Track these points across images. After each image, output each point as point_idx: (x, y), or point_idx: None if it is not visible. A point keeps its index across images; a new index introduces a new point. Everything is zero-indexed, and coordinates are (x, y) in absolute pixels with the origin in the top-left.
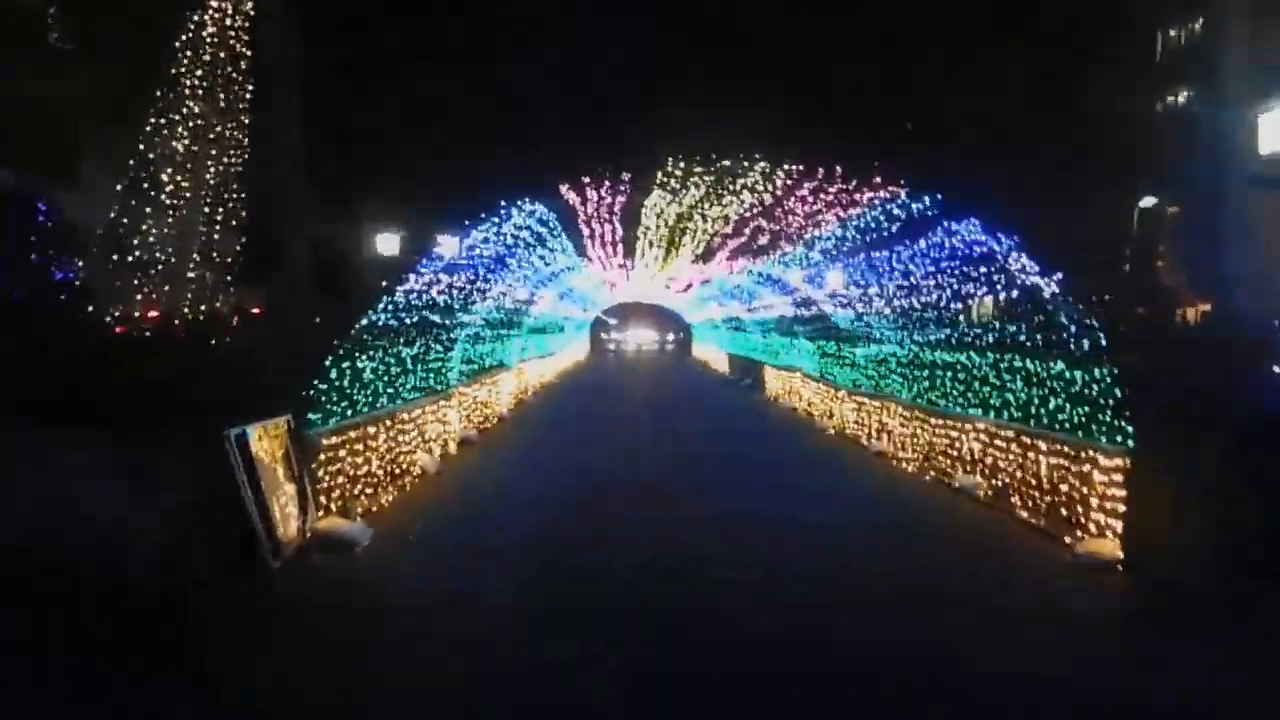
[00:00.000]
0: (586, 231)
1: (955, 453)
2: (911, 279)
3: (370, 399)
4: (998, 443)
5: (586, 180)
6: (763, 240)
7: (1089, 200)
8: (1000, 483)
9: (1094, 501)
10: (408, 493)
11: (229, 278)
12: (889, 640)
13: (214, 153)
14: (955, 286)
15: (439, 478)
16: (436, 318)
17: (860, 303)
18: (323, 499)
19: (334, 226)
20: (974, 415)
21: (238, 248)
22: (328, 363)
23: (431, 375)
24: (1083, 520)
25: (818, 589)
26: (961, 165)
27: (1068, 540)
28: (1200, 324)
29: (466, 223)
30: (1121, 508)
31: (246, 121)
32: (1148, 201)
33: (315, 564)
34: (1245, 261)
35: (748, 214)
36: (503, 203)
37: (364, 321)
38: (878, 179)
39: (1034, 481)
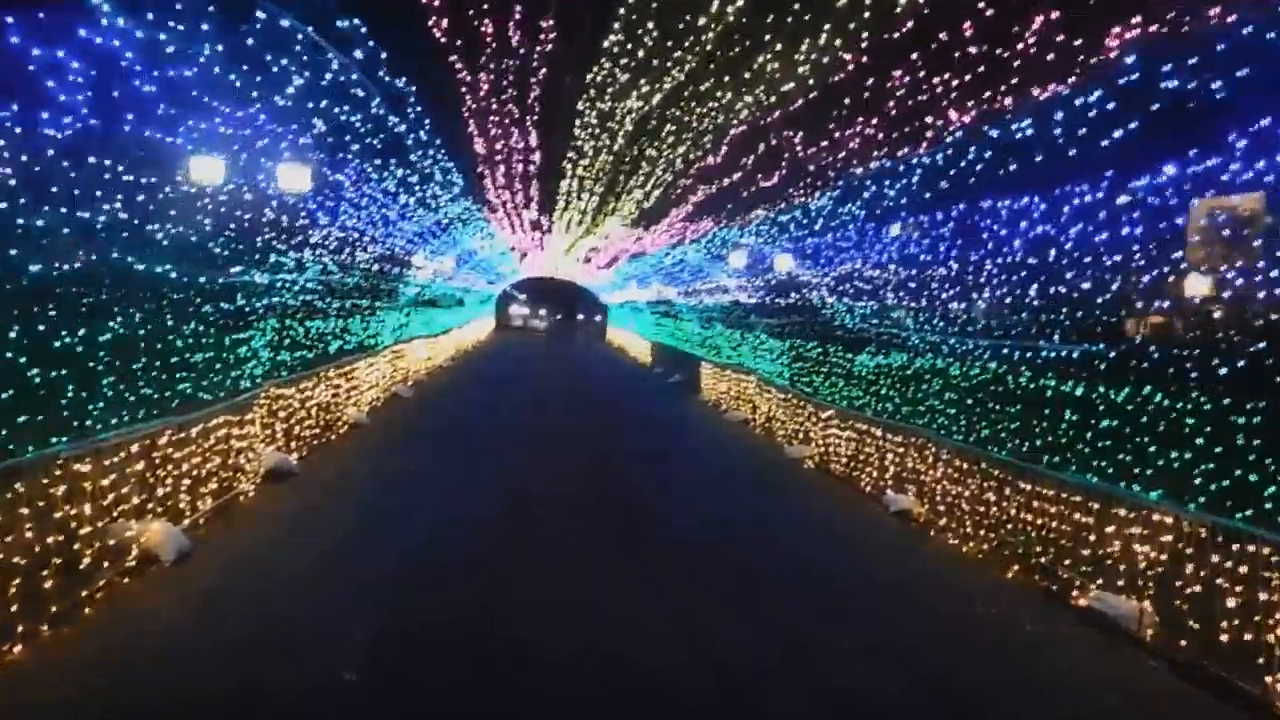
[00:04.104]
0: (482, 148)
1: (1082, 547)
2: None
3: None
4: (1222, 560)
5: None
6: (770, 181)
7: None
8: (1228, 630)
9: None
10: (85, 622)
11: None
12: None
13: None
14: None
15: (175, 573)
16: (164, 267)
17: (898, 290)
18: None
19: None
20: (1139, 495)
21: None
22: None
23: (183, 377)
24: None
25: None
26: None
27: None
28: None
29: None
30: None
31: None
32: None
33: None
34: None
35: (768, 116)
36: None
37: None
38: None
39: None
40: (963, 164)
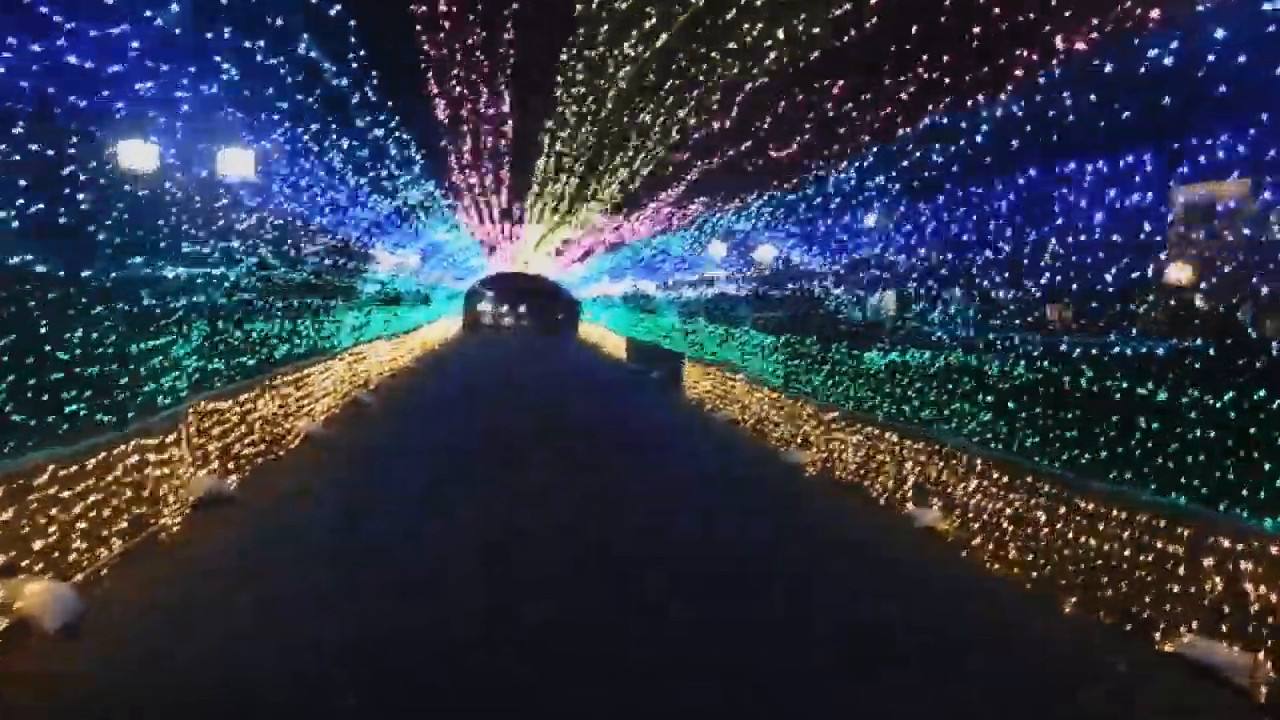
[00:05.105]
0: (445, 115)
1: (1169, 581)
2: None
3: None
4: None
5: None
6: (783, 151)
7: None
8: None
9: None
10: None
11: None
12: None
13: None
14: None
15: (60, 647)
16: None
17: (925, 280)
18: None
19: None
20: (1250, 523)
21: None
22: None
23: (73, 397)
24: None
25: None
26: None
27: None
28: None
29: None
30: None
31: None
32: None
33: None
34: None
35: (804, 58)
36: None
37: None
38: None
39: None
40: (1052, 113)
